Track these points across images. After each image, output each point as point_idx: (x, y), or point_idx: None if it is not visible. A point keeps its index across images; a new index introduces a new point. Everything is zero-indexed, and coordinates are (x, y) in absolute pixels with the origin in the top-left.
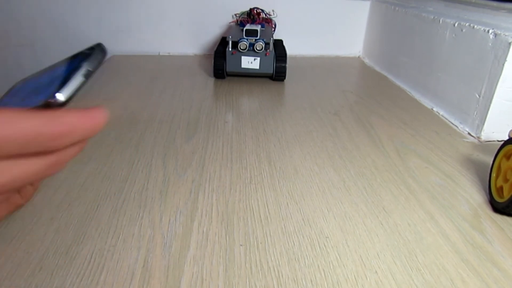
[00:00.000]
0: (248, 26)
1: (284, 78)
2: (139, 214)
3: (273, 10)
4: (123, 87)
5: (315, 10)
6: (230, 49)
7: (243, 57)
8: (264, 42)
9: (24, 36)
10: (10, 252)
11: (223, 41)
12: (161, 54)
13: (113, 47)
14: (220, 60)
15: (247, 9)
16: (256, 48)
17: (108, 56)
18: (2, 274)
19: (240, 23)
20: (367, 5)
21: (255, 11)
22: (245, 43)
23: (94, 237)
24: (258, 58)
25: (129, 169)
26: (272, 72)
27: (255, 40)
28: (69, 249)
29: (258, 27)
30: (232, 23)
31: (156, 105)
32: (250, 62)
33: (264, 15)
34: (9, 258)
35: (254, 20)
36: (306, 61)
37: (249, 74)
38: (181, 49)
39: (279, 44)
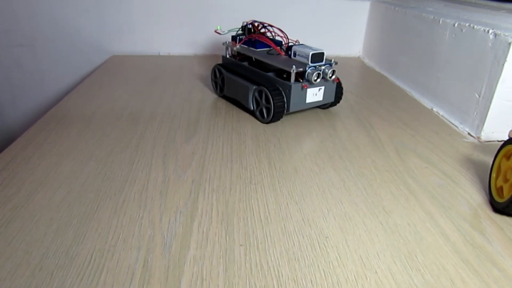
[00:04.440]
0: (309, 49)
1: (337, 103)
2: (139, 214)
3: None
4: (123, 87)
5: (315, 10)
6: (297, 83)
7: (308, 90)
8: (331, 65)
9: (24, 36)
10: (10, 252)
11: (230, 66)
12: (161, 54)
13: (113, 47)
14: (283, 99)
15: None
16: (328, 76)
17: (108, 56)
18: (2, 274)
19: (249, 42)
20: (367, 5)
21: (257, 26)
22: (319, 72)
23: (94, 237)
24: (323, 88)
25: (129, 169)
26: (333, 99)
27: (324, 65)
28: (69, 249)
29: (321, 49)
30: (229, 43)
31: (156, 105)
32: (315, 94)
33: (269, 30)
34: (9, 258)
35: (278, 42)
36: None
37: (309, 108)
38: (181, 49)
39: None
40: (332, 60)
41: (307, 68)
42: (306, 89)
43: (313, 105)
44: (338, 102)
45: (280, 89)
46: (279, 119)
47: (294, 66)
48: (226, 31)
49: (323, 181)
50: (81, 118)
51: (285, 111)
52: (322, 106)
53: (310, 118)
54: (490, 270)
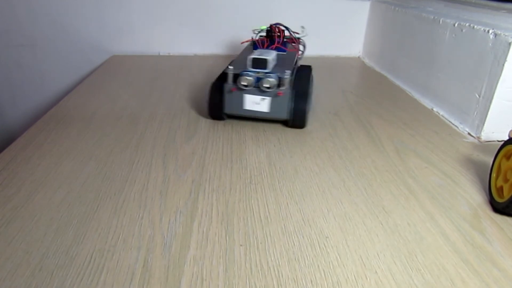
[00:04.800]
0: (257, 54)
1: (304, 125)
2: (139, 214)
3: (302, 27)
4: (123, 87)
5: (315, 10)
6: (229, 84)
7: (246, 96)
8: (278, 77)
9: (25, 36)
10: (10, 252)
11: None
12: (161, 54)
13: (113, 47)
14: (217, 96)
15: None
16: (262, 86)
17: (108, 56)
18: (2, 274)
19: (254, 44)
20: (367, 5)
21: (276, 29)
22: (249, 78)
23: (94, 237)
24: (268, 99)
25: (129, 169)
26: (286, 117)
27: (265, 74)
28: (69, 249)
29: (271, 55)
30: (246, 43)
31: (156, 105)
32: (256, 103)
33: (289, 34)
34: (9, 258)
35: (272, 42)
36: (306, 61)
37: (256, 117)
38: (181, 49)
39: (303, 74)
40: (287, 72)
41: (243, 72)
42: (238, 93)
43: (260, 115)
44: (301, 123)
45: (220, 87)
46: (217, 117)
47: (231, 67)
48: (257, 33)
49: (323, 181)
50: (81, 118)
51: (221, 110)
52: (286, 123)
53: (309, 118)
54: (490, 270)
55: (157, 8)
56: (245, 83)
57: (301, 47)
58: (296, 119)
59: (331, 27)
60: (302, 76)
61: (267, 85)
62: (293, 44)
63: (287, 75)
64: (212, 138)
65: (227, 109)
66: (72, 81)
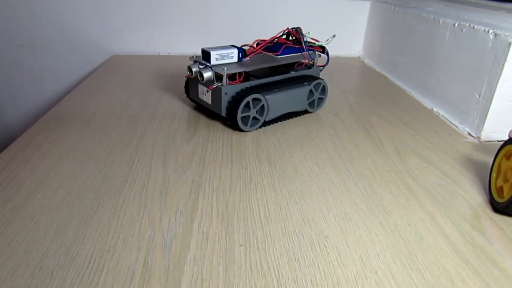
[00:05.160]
0: (214, 49)
1: (237, 127)
2: (139, 214)
3: (334, 35)
4: (123, 87)
5: (315, 10)
6: (191, 71)
7: (199, 85)
8: (215, 72)
9: (25, 36)
10: (10, 252)
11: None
12: (161, 54)
13: (113, 47)
14: (186, 82)
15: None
16: (198, 76)
17: (108, 56)
18: (2, 274)
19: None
20: (367, 5)
21: (290, 31)
22: (194, 68)
23: (94, 237)
24: (210, 91)
25: (129, 169)
26: (223, 114)
27: (206, 66)
28: (69, 249)
29: (219, 51)
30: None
31: (156, 105)
32: (203, 93)
33: (301, 39)
34: (9, 258)
35: (277, 43)
36: None
37: (207, 108)
38: (181, 49)
39: (279, 83)
40: (224, 69)
41: (194, 61)
42: (195, 81)
43: (208, 106)
44: (234, 125)
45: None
46: (188, 96)
47: (194, 56)
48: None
49: (323, 181)
50: (81, 118)
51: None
52: (229, 124)
53: (310, 118)
54: (490, 270)
55: (157, 8)
56: (190, 72)
57: (311, 54)
58: (229, 119)
59: (331, 27)
60: (276, 84)
61: (201, 78)
62: (301, 50)
63: (224, 72)
64: (212, 138)
65: (190, 94)
66: (72, 81)
